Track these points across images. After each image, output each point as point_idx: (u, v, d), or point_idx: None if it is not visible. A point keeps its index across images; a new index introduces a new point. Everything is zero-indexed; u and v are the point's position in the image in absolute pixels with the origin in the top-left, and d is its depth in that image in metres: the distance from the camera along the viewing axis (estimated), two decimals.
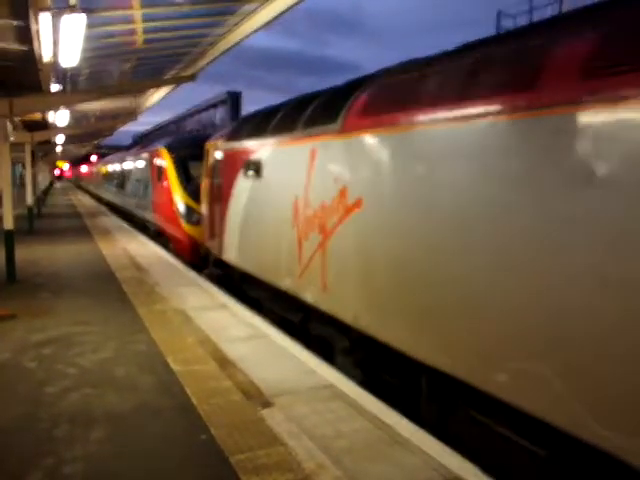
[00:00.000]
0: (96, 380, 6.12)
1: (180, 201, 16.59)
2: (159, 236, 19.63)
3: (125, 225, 23.88)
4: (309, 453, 4.46)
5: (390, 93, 6.47)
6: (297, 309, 8.71)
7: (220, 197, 12.16)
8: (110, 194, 37.76)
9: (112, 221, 25.84)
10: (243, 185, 10.69)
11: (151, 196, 20.69)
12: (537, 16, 30.92)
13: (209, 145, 13.81)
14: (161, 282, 11.37)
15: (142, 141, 73.28)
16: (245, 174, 10.53)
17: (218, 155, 12.60)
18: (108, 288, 10.85)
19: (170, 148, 18.42)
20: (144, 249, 16.51)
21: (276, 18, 10.42)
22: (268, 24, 10.81)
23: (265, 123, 10.02)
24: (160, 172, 18.80)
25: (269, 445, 4.60)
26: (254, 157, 10.13)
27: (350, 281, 6.87)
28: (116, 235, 19.96)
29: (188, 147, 18.12)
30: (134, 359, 6.81)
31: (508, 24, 32.91)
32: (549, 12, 30.79)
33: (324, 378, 6.16)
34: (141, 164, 23.67)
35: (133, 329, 8.07)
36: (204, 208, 13.97)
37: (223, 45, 13.18)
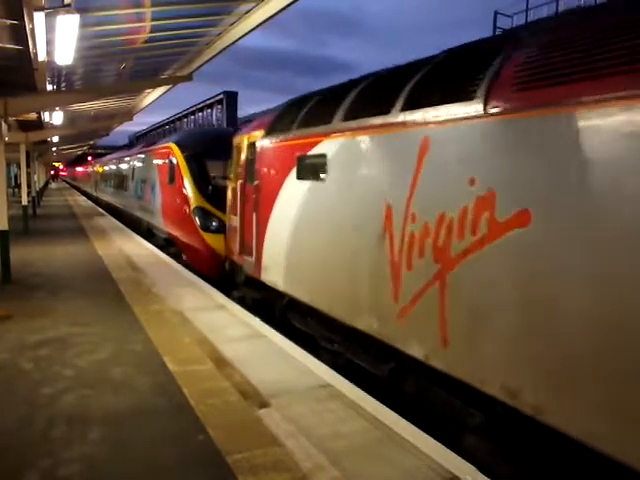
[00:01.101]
0: (93, 381, 6.09)
1: (196, 205, 14.33)
2: (168, 245, 17.20)
3: (121, 225, 23.72)
4: (306, 453, 4.44)
5: (586, 47, 4.29)
6: (383, 357, 6.65)
7: (258, 203, 9.92)
8: (109, 196, 34.71)
9: (108, 221, 25.76)
10: (295, 188, 8.48)
11: (159, 199, 18.13)
12: (532, 16, 31.01)
13: (239, 139, 11.66)
14: (158, 282, 11.34)
15: (139, 141, 73.24)
16: (299, 174, 8.39)
17: (254, 151, 10.39)
18: (105, 289, 10.81)
19: (181, 144, 16.27)
20: (140, 249, 16.47)
21: (272, 17, 10.40)
22: (264, 23, 10.78)
23: (331, 107, 7.79)
24: (170, 172, 16.38)
25: (266, 445, 4.58)
26: (314, 152, 7.96)
27: (503, 339, 4.72)
28: (112, 235, 19.90)
29: (203, 143, 16.17)
30: (131, 360, 6.79)
31: (506, 24, 33.02)
32: (545, 12, 30.89)
33: (322, 378, 6.15)
34: (146, 163, 21.40)
35: (130, 330, 8.04)
36: (232, 216, 11.76)
37: (219, 45, 13.15)
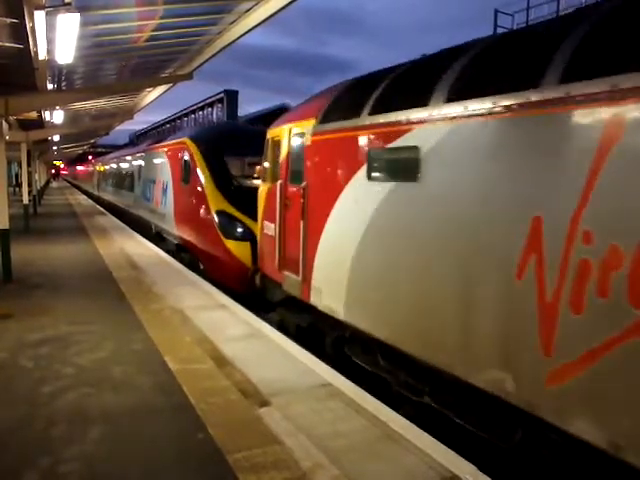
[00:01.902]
0: (93, 379, 6.10)
1: (218, 209, 12.61)
2: (180, 251, 15.65)
3: (122, 225, 23.68)
4: (306, 452, 4.45)
5: None
6: (506, 422, 5.11)
7: (307, 209, 8.17)
8: (113, 196, 32.49)
9: (109, 220, 25.75)
10: (365, 191, 6.73)
11: (171, 201, 16.42)
12: (533, 15, 30.99)
13: (277, 131, 9.76)
14: (158, 281, 11.35)
15: (139, 140, 73.18)
16: (372, 174, 6.65)
17: (301, 145, 8.59)
18: (105, 287, 10.82)
19: (198, 139, 14.68)
20: (141, 248, 16.45)
21: (272, 16, 10.41)
22: (264, 22, 10.79)
23: (426, 83, 6.07)
24: (185, 170, 14.79)
25: (266, 444, 4.59)
26: (398, 145, 6.23)
27: None
28: (113, 234, 19.90)
29: (222, 138, 14.71)
30: (131, 358, 6.79)
31: (506, 22, 33.01)
32: (546, 10, 30.89)
33: (322, 377, 6.15)
34: (155, 161, 19.57)
35: (130, 328, 8.05)
36: (267, 223, 9.87)
37: (220, 43, 13.16)
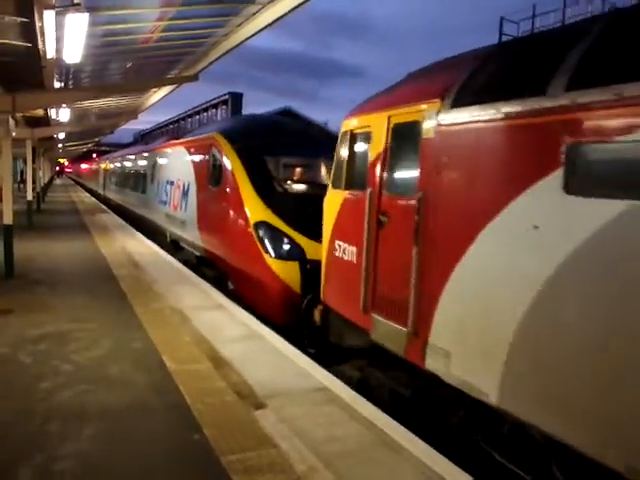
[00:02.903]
0: (91, 377, 6.13)
1: (260, 220, 10.22)
2: (202, 265, 13.52)
3: (124, 223, 23.71)
4: (301, 455, 4.47)
5: None
6: None
7: (418, 231, 5.84)
8: (122, 197, 29.99)
9: (111, 218, 25.79)
10: (560, 213, 4.29)
11: (193, 206, 14.06)
12: (539, 23, 31.06)
13: (363, 121, 7.40)
14: (159, 280, 11.38)
15: (144, 139, 73.26)
16: (575, 185, 4.23)
17: (411, 139, 6.26)
18: (105, 285, 10.86)
19: (231, 135, 12.45)
20: (142, 247, 16.50)
21: (279, 20, 10.47)
22: (271, 26, 10.85)
23: None
24: (213, 171, 12.71)
25: (261, 446, 4.61)
26: None
27: None
28: (115, 233, 19.94)
29: (262, 133, 12.36)
30: (130, 357, 6.82)
31: (512, 30, 33.14)
32: (552, 19, 30.97)
33: (318, 381, 6.17)
34: (173, 159, 17.45)
35: (129, 327, 8.08)
36: (342, 243, 7.48)
37: (226, 45, 13.23)
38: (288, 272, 9.55)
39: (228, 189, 11.58)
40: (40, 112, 17.84)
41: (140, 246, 16.75)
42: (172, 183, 16.90)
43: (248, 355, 6.96)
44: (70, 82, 16.87)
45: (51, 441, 4.65)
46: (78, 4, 7.75)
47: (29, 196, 21.94)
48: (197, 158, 14.41)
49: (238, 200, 10.93)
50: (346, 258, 7.38)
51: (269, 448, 4.59)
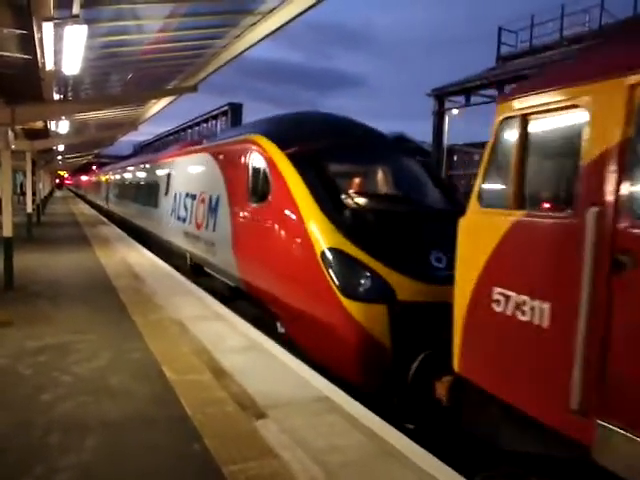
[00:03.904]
0: (91, 388, 6.10)
1: (329, 245, 7.72)
2: (237, 297, 10.98)
3: (124, 234, 23.68)
4: (303, 466, 4.44)
5: None
6: None
7: None
8: (127, 212, 27.48)
9: (111, 230, 25.79)
10: None
11: (225, 225, 11.33)
12: (538, 32, 31.19)
13: (564, 95, 4.54)
14: (158, 291, 11.36)
15: (144, 150, 73.36)
16: None
17: None
18: (105, 297, 10.83)
19: (281, 137, 9.85)
20: (142, 259, 16.47)
21: (277, 30, 10.48)
22: (270, 36, 10.88)
23: None
24: (256, 182, 10.12)
25: (262, 457, 4.59)
26: None
27: None
28: (115, 244, 19.93)
29: (320, 136, 9.53)
30: (130, 368, 6.80)
31: (510, 39, 33.24)
32: (550, 28, 31.08)
33: (319, 391, 6.15)
34: (194, 168, 14.91)
35: (129, 338, 8.05)
36: (505, 293, 4.94)
37: (225, 56, 13.25)
38: (372, 318, 7.07)
39: (279, 205, 9.04)
40: (39, 124, 17.86)
41: (140, 257, 16.73)
42: (194, 196, 14.18)
43: (249, 365, 6.93)
44: (69, 94, 16.92)
45: (52, 453, 4.62)
46: (77, 16, 7.76)
47: (29, 208, 21.95)
48: (230, 166, 11.73)
49: (296, 219, 8.41)
50: (523, 318, 4.72)
51: (270, 458, 4.56)
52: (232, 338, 8.16)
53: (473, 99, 34.17)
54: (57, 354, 7.27)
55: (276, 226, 9.09)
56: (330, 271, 7.52)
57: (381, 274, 7.28)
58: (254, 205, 10.08)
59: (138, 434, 5.03)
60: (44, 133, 21.05)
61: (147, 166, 22.98)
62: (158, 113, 22.67)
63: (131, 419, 5.34)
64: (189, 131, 70.36)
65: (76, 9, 7.45)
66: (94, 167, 73.01)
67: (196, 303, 10.44)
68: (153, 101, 20.53)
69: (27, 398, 5.82)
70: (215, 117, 61.01)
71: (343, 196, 8.33)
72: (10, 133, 11.56)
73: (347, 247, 7.58)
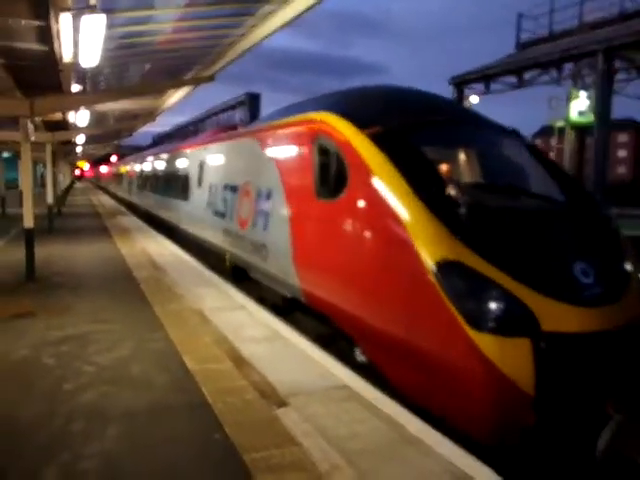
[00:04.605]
0: (113, 378, 6.15)
1: (443, 256, 5.77)
2: (293, 309, 9.33)
3: (144, 225, 23.77)
4: (323, 453, 4.45)
5: None
6: None
7: None
8: (153, 204, 25.61)
9: (131, 221, 25.92)
10: None
11: (282, 225, 9.26)
12: (558, 18, 30.81)
13: None
14: (179, 282, 11.41)
15: (162, 141, 73.58)
16: None
17: None
18: (126, 287, 10.90)
19: (360, 116, 7.81)
20: (162, 249, 16.54)
21: (295, 19, 10.44)
22: (287, 25, 10.83)
23: None
24: (325, 174, 8.06)
25: (283, 445, 4.59)
26: None
27: None
28: (135, 235, 20.04)
29: (408, 113, 7.84)
30: (151, 357, 6.84)
31: (529, 26, 32.87)
32: (570, 13, 30.68)
33: (340, 379, 6.14)
34: (234, 155, 12.92)
35: (150, 328, 8.10)
36: None
37: (242, 46, 13.23)
38: (510, 357, 5.28)
39: (363, 200, 6.97)
40: (59, 116, 17.97)
41: (160, 248, 16.80)
42: (234, 188, 12.22)
43: (270, 355, 6.94)
44: (88, 85, 16.99)
45: (76, 441, 4.67)
46: (94, 6, 7.79)
47: (49, 200, 22.12)
48: (285, 153, 9.68)
49: (390, 219, 6.34)
50: None
51: (292, 446, 4.57)
52: (253, 328, 8.17)
53: (492, 86, 33.83)
54: (79, 344, 7.32)
55: (358, 227, 6.99)
56: (447, 291, 5.58)
57: (519, 296, 5.46)
58: (323, 200, 7.96)
59: (160, 423, 5.06)
60: (63, 125, 21.18)
61: (175, 154, 20.94)
62: (176, 104, 22.71)
63: (152, 408, 5.37)
64: (207, 121, 70.39)
65: None
66: (113, 158, 73.41)
67: (217, 293, 10.46)
68: (171, 91, 20.58)
69: (50, 387, 5.87)
70: (233, 107, 60.98)
71: (451, 189, 6.27)
72: (30, 125, 11.63)
73: (470, 259, 5.67)
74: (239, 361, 6.67)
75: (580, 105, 29.32)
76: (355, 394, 5.72)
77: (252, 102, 56.56)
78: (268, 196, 10.03)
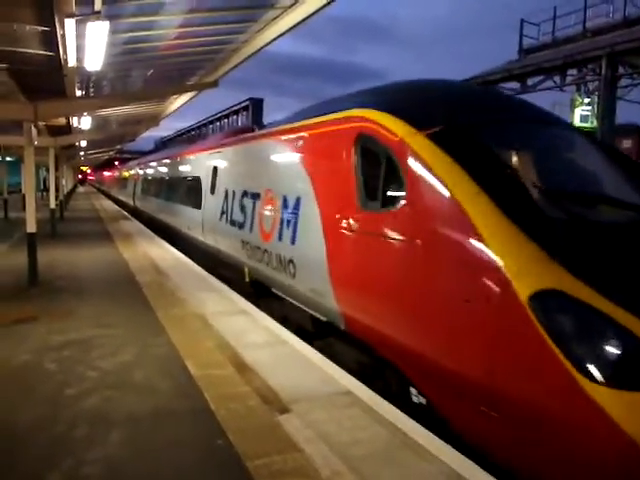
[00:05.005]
0: (115, 383, 6.15)
1: (543, 286, 4.48)
2: (320, 332, 8.30)
3: (146, 229, 23.76)
4: (326, 459, 4.44)
5: None
6: None
7: None
8: (160, 211, 23.57)
9: (133, 225, 25.95)
10: None
11: (315, 238, 7.85)
12: (561, 24, 30.85)
13: None
14: (181, 286, 11.41)
15: (166, 146, 73.63)
16: None
17: None
18: (128, 292, 10.90)
19: (414, 113, 6.58)
20: (165, 253, 16.55)
21: (299, 24, 10.47)
22: (291, 30, 10.86)
23: None
24: (374, 180, 6.69)
25: (286, 451, 4.58)
26: None
27: None
28: (137, 239, 20.05)
29: (469, 109, 6.71)
30: (153, 362, 6.83)
31: (532, 32, 32.93)
32: (572, 20, 30.72)
33: (342, 385, 6.13)
34: (260, 160, 10.94)
35: (153, 333, 8.10)
36: None
37: (246, 51, 13.27)
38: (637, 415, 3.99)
39: (433, 214, 5.66)
40: (62, 120, 18.03)
41: (162, 252, 16.82)
42: (255, 196, 10.73)
43: (272, 360, 6.93)
44: (91, 90, 17.05)
45: (79, 447, 4.66)
46: (98, 12, 7.81)
47: (52, 204, 22.16)
48: (318, 156, 8.43)
49: (469, 239, 5.12)
50: None
51: (294, 452, 4.56)
52: (255, 333, 8.16)
53: None
54: (81, 349, 7.33)
55: (424, 245, 5.60)
56: (549, 329, 4.35)
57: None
58: (370, 211, 6.66)
59: (162, 429, 5.05)
60: (67, 129, 21.25)
61: (185, 159, 19.32)
62: (179, 108, 22.76)
63: (155, 414, 5.37)
64: (210, 126, 70.58)
65: (98, 5, 7.51)
66: (116, 162, 73.62)
67: (219, 298, 10.46)
68: (174, 97, 20.62)
69: (53, 393, 5.87)
70: (237, 112, 61.15)
71: (539, 199, 5.26)
72: (33, 129, 11.67)
73: (576, 288, 4.45)
74: (241, 367, 6.66)
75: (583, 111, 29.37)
76: (358, 400, 5.71)
77: (255, 107, 56.71)
78: (296, 205, 8.66)
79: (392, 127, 6.46)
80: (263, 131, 11.54)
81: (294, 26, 10.59)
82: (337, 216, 7.29)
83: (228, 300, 10.32)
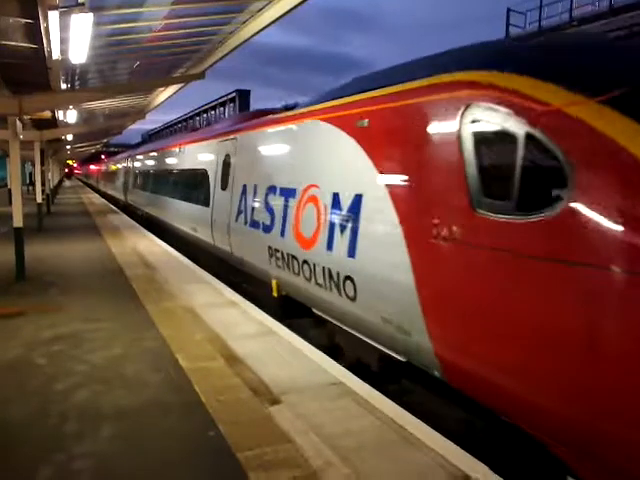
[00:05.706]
0: (105, 377, 6.13)
1: None
2: (387, 372, 6.70)
3: (134, 223, 23.67)
4: (317, 450, 4.45)
5: None
6: None
7: None
8: (151, 205, 22.30)
9: (121, 219, 25.83)
10: None
11: (394, 253, 5.69)
12: (546, 12, 30.87)
13: None
14: (170, 279, 11.38)
15: (151, 139, 73.33)
16: None
17: None
18: (117, 286, 10.86)
19: (575, 76, 4.29)
20: (153, 247, 16.50)
21: (285, 15, 10.39)
22: (277, 21, 10.79)
23: None
24: (508, 174, 4.44)
25: (277, 442, 4.60)
26: None
27: None
28: (125, 233, 19.97)
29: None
30: (143, 356, 6.82)
31: (519, 21, 32.91)
32: (559, 9, 30.74)
33: (333, 376, 6.14)
34: (284, 147, 9.17)
35: (142, 326, 8.08)
36: None
37: (232, 43, 13.17)
38: None
39: (619, 227, 3.59)
40: (47, 114, 17.85)
41: (151, 246, 16.76)
42: (289, 193, 8.58)
43: (262, 352, 6.93)
44: (77, 83, 16.90)
45: (69, 441, 4.65)
46: (82, 4, 7.74)
47: (38, 198, 22.01)
48: (393, 140, 6.09)
49: None
50: None
51: (285, 443, 4.57)
52: (245, 324, 8.17)
53: None
54: (71, 343, 7.30)
55: (600, 274, 3.71)
56: None
57: None
58: (497, 216, 4.53)
59: (154, 422, 5.05)
60: (52, 123, 21.06)
61: (185, 148, 17.07)
62: (166, 101, 22.61)
63: (146, 407, 5.36)
64: (197, 118, 70.34)
65: None
66: (103, 156, 73.23)
67: (209, 290, 10.45)
68: (161, 89, 20.48)
69: (42, 387, 5.85)
70: (223, 104, 60.95)
71: None
72: (18, 123, 11.56)
73: None
74: (232, 359, 6.66)
75: None
76: (349, 391, 5.72)
77: (242, 98, 56.56)
78: (355, 206, 6.62)
79: (536, 94, 4.38)
80: (294, 112, 9.14)
81: (280, 17, 10.51)
82: (435, 221, 5.16)
83: (217, 292, 10.31)
